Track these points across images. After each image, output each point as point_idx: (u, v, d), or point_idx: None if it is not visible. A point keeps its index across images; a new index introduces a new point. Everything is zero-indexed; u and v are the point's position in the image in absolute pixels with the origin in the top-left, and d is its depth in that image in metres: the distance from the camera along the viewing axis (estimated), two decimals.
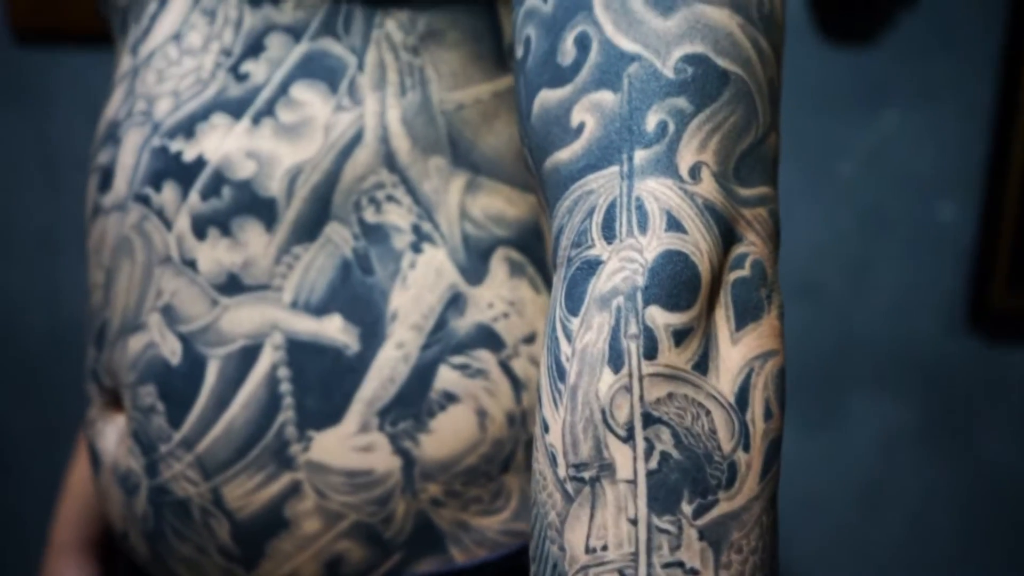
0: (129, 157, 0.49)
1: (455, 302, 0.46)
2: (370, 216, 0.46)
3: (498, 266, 0.47)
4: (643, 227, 0.34)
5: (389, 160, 0.46)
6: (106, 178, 0.51)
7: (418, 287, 0.46)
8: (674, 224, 0.34)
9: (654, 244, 0.33)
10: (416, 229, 0.46)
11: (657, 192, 0.34)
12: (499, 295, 0.47)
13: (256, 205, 0.46)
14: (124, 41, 0.53)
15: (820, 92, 1.22)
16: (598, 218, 0.35)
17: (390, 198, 0.46)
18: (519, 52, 0.39)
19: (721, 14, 0.35)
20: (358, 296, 0.46)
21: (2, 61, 1.32)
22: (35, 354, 1.35)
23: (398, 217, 0.46)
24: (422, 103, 0.46)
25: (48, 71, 1.31)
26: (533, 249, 0.48)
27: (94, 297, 0.53)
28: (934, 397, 1.30)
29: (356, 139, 0.46)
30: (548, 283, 0.49)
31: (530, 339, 0.48)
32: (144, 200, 0.48)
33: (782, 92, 1.13)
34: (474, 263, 0.47)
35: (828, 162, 1.24)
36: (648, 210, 0.34)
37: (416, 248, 0.46)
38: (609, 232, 0.34)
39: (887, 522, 1.34)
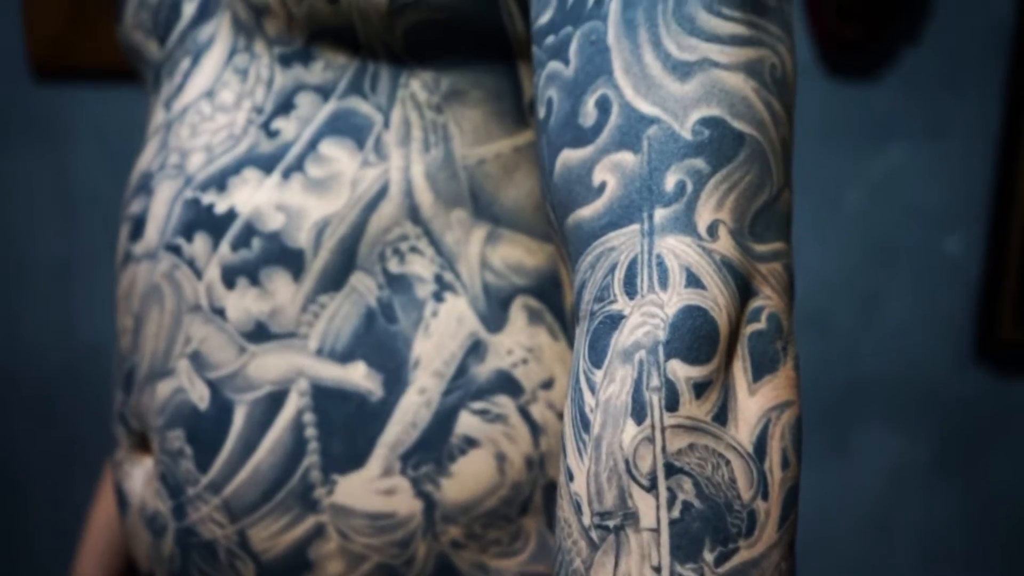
0: (161, 208, 0.50)
1: (475, 349, 0.48)
2: (394, 266, 0.47)
3: (517, 314, 0.49)
4: (664, 283, 0.35)
5: (413, 213, 0.47)
6: (138, 227, 0.52)
7: (440, 335, 0.47)
8: (693, 280, 0.35)
9: (674, 300, 0.35)
10: (438, 279, 0.48)
11: (677, 249, 0.35)
12: (518, 342, 0.48)
13: (284, 256, 0.47)
14: (157, 95, 0.55)
15: (827, 127, 1.24)
16: (620, 274, 0.36)
17: (413, 249, 0.48)
18: (541, 112, 0.41)
19: (736, 79, 0.37)
20: (382, 343, 0.47)
21: (22, 97, 1.34)
22: (51, 383, 1.36)
23: (421, 267, 0.47)
24: (445, 158, 0.47)
25: (66, 107, 1.34)
26: (551, 297, 0.50)
27: (122, 341, 0.54)
28: (943, 429, 1.31)
29: (381, 193, 0.47)
30: (565, 330, 0.50)
31: (548, 384, 0.49)
32: (175, 250, 0.49)
33: (795, 129, 1.14)
34: (494, 311, 0.48)
35: (836, 195, 1.25)
36: (668, 267, 0.35)
37: (438, 297, 0.48)
38: (631, 288, 0.35)
39: (897, 554, 1.34)
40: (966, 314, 1.27)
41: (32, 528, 1.39)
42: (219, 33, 0.51)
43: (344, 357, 0.47)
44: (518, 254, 0.49)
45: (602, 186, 0.37)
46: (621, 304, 0.36)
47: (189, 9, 0.53)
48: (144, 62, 0.57)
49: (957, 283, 1.27)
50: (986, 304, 1.24)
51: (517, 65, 0.48)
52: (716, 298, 0.35)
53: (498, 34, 0.46)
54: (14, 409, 1.37)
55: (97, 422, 1.32)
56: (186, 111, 0.51)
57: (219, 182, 0.49)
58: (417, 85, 0.47)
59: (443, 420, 0.47)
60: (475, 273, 0.48)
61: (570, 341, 0.49)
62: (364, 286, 0.47)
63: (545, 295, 0.49)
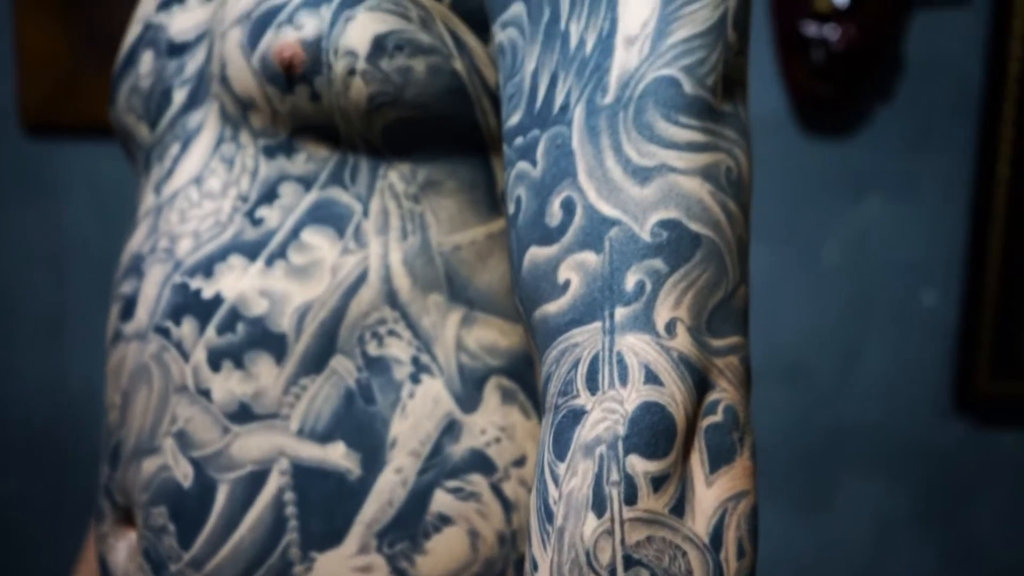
0: (152, 290, 0.52)
1: (451, 429, 0.49)
2: (373, 349, 0.49)
3: (491, 394, 0.50)
4: (623, 380, 0.37)
5: (391, 298, 0.49)
6: (129, 308, 0.54)
7: (416, 415, 0.49)
8: (651, 377, 0.37)
9: (633, 396, 0.36)
10: (415, 361, 0.49)
11: (636, 347, 0.37)
12: (491, 421, 0.50)
13: (268, 340, 0.49)
14: (147, 178, 0.57)
15: (804, 183, 1.27)
16: (583, 370, 0.38)
17: (391, 332, 0.49)
18: (511, 209, 0.43)
19: (692, 183, 0.39)
20: (360, 424, 0.49)
21: (14, 153, 1.36)
22: (40, 433, 1.36)
23: (399, 350, 0.49)
24: (422, 246, 0.49)
25: (58, 163, 1.35)
26: (524, 376, 0.51)
27: (110, 416, 0.56)
28: (924, 481, 1.32)
29: (361, 279, 0.49)
30: (538, 408, 0.51)
31: (520, 462, 0.50)
32: (164, 332, 0.51)
33: (772, 185, 1.17)
34: (468, 392, 0.50)
35: (813, 250, 1.28)
36: (628, 364, 0.37)
37: (415, 379, 0.49)
38: (592, 384, 0.37)
39: None
40: (944, 366, 1.29)
41: (22, 574, 1.39)
42: (207, 121, 0.53)
43: (324, 437, 0.49)
44: (492, 336, 0.51)
45: (567, 284, 0.39)
46: (583, 399, 0.37)
47: (179, 96, 0.55)
48: (135, 144, 0.59)
49: (935, 335, 1.29)
50: (963, 356, 1.26)
51: (490, 157, 0.50)
52: (673, 394, 0.37)
53: (472, 130, 0.49)
54: (2, 459, 1.37)
55: (86, 472, 1.32)
56: (175, 196, 0.53)
57: (206, 268, 0.50)
58: (395, 176, 0.49)
59: (418, 498, 0.48)
60: (451, 355, 0.50)
61: (541, 418, 0.51)
62: (344, 368, 0.49)
63: (518, 374, 0.51)
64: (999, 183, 1.21)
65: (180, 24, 0.57)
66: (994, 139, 1.22)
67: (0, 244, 1.37)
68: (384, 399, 0.49)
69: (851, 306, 1.28)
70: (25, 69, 1.34)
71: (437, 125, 0.48)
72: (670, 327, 0.38)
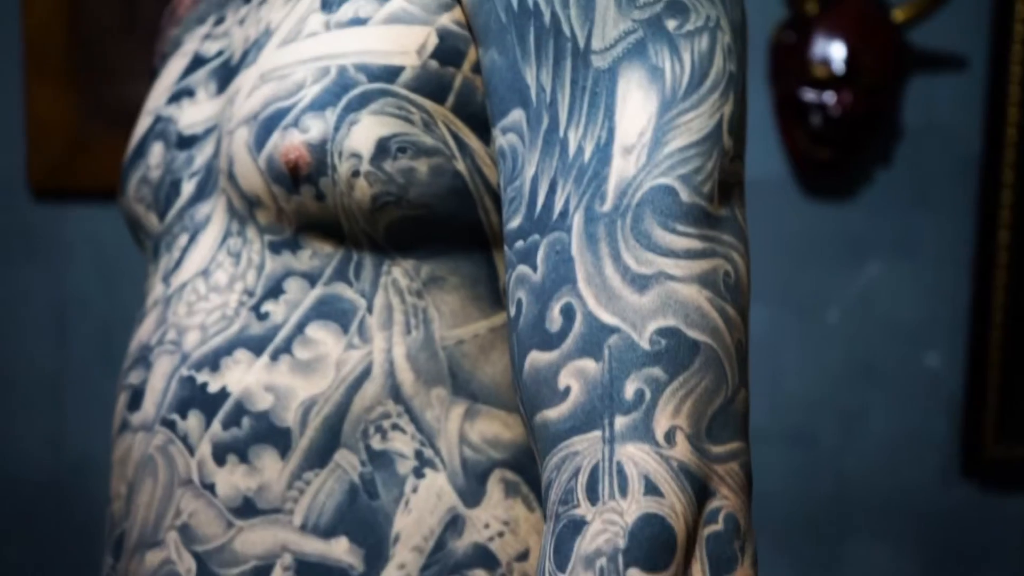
0: (159, 382, 0.53)
1: (454, 524, 0.49)
2: (376, 443, 0.49)
3: (494, 487, 0.50)
4: (623, 491, 0.37)
5: (395, 392, 0.50)
6: (136, 399, 0.55)
7: (420, 510, 0.49)
8: (651, 488, 0.37)
9: (633, 508, 0.37)
10: (419, 455, 0.50)
11: (636, 457, 0.38)
12: (495, 515, 0.50)
13: (272, 434, 0.49)
14: (156, 266, 0.58)
15: (805, 245, 1.28)
16: (583, 479, 0.38)
17: (395, 427, 0.50)
18: (511, 311, 0.43)
19: (690, 290, 0.40)
20: (364, 519, 0.49)
21: (20, 216, 1.37)
22: (36, 500, 1.36)
23: (402, 444, 0.50)
24: (425, 340, 0.50)
25: (63, 226, 1.37)
26: (527, 468, 0.52)
27: (115, 506, 0.56)
28: (932, 546, 1.31)
29: (365, 374, 0.49)
30: (540, 501, 0.51)
31: (523, 556, 0.50)
32: (170, 425, 0.52)
33: (773, 248, 1.17)
34: (472, 486, 0.50)
35: (815, 312, 1.28)
36: (628, 474, 0.37)
37: (418, 473, 0.49)
38: (593, 494, 0.38)
39: None
40: (950, 430, 1.29)
41: None
42: (215, 214, 0.54)
43: (327, 532, 0.49)
44: (495, 428, 0.51)
45: (567, 390, 0.40)
46: (584, 509, 0.38)
47: (188, 188, 0.56)
48: (144, 233, 0.60)
49: (939, 398, 1.29)
50: (969, 420, 1.26)
51: (492, 252, 0.51)
52: (673, 505, 0.37)
53: (474, 227, 0.50)
54: None
55: (79, 543, 1.32)
56: (183, 288, 0.54)
57: (213, 362, 0.51)
58: (399, 272, 0.50)
59: None
60: (454, 449, 0.50)
61: (545, 512, 0.51)
62: (348, 463, 0.49)
63: (521, 467, 0.51)
64: (1000, 247, 1.22)
65: (190, 117, 0.58)
66: (993, 204, 1.23)
67: (3, 306, 1.38)
68: (387, 494, 0.49)
69: (853, 368, 1.28)
70: (34, 135, 1.36)
71: (440, 223, 0.49)
72: (669, 436, 0.38)
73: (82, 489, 1.34)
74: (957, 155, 1.26)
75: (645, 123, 0.41)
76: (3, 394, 1.37)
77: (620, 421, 0.38)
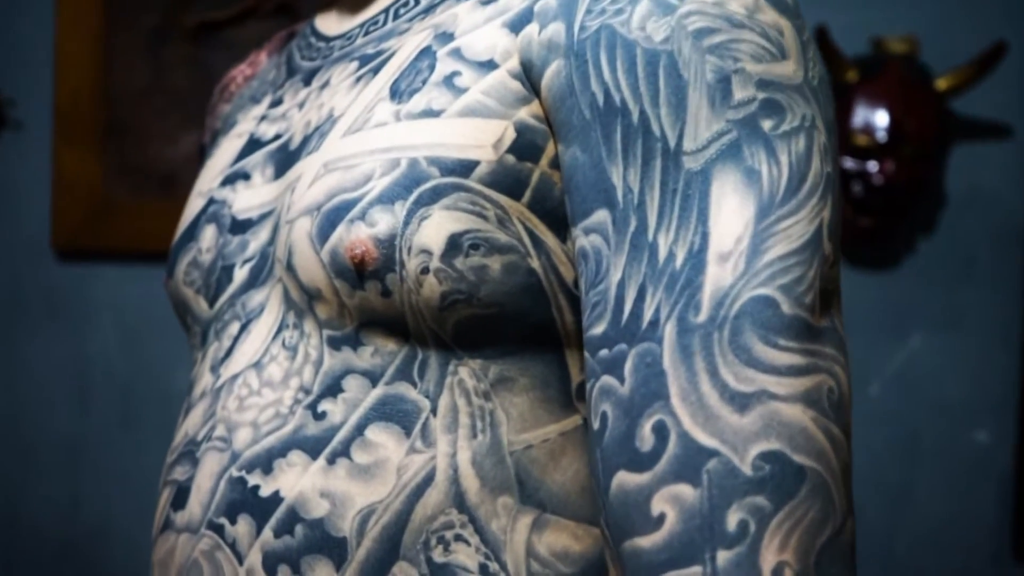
0: (207, 481, 0.50)
1: None
2: (438, 556, 0.46)
3: None
4: None
5: (459, 500, 0.47)
6: (181, 496, 0.52)
7: None
8: None
9: None
10: (484, 569, 0.47)
11: None
12: None
13: (327, 544, 0.46)
14: (204, 353, 0.56)
15: (846, 316, 1.24)
16: None
17: (458, 538, 0.47)
18: (595, 425, 0.41)
19: (794, 410, 0.37)
20: None
21: (43, 277, 1.38)
22: (53, 565, 1.33)
23: (466, 557, 0.47)
24: (492, 445, 0.47)
25: (86, 288, 1.37)
26: None
27: None
28: None
29: (427, 480, 0.47)
30: None
31: None
32: (218, 529, 0.49)
33: None
34: None
35: (858, 388, 1.25)
36: None
37: None
38: None
39: None
40: (1001, 511, 1.24)
41: None
42: (269, 303, 0.52)
43: None
44: (564, 540, 0.48)
45: (661, 518, 0.37)
46: None
47: (241, 274, 0.54)
48: (192, 318, 0.58)
49: (990, 478, 1.24)
50: (1021, 502, 1.21)
51: (565, 353, 0.48)
52: None
53: (547, 326, 0.47)
54: None
55: None
56: (234, 380, 0.51)
57: (265, 463, 0.48)
58: (465, 372, 0.47)
59: None
60: (520, 563, 0.47)
61: None
62: None
63: None
64: None
65: (244, 201, 0.56)
66: None
67: (24, 367, 1.37)
68: None
69: (899, 445, 1.24)
70: (59, 196, 1.37)
71: (511, 322, 0.47)
72: (777, 573, 0.35)
73: (100, 554, 1.32)
74: (1002, 224, 1.24)
75: (742, 229, 0.39)
76: (22, 457, 1.35)
77: (723, 556, 0.35)
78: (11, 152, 1.39)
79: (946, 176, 1.24)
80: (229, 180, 0.58)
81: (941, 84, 1.16)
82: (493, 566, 0.47)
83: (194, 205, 0.60)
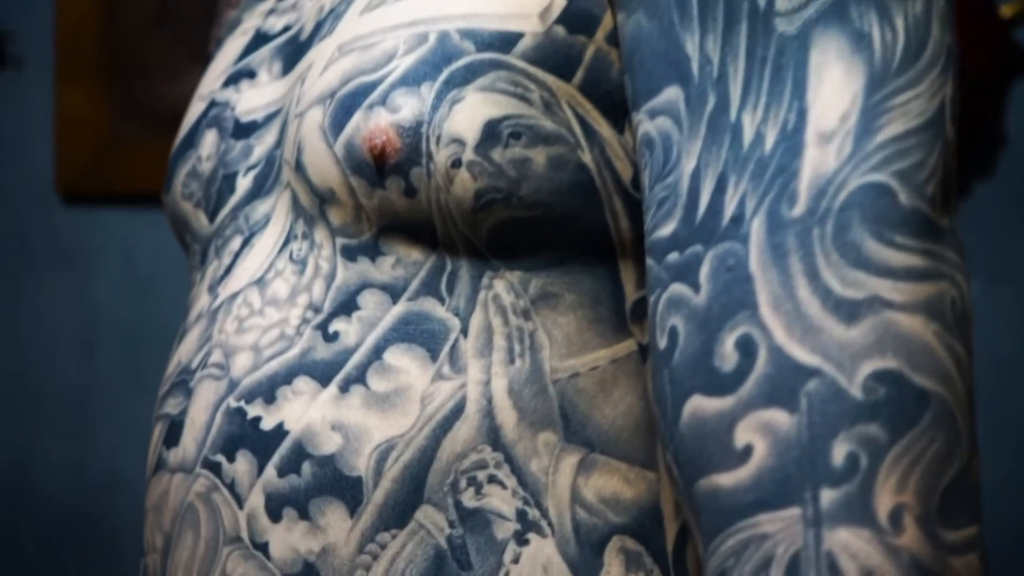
0: (201, 414, 0.45)
1: None
2: (469, 500, 0.41)
3: (613, 559, 0.42)
4: None
5: (493, 436, 0.42)
6: (174, 432, 0.47)
7: None
8: None
9: None
10: (521, 516, 0.41)
11: (853, 546, 0.29)
12: None
13: (339, 485, 0.42)
14: (202, 274, 0.50)
15: None
16: (778, 573, 0.30)
17: (492, 479, 0.42)
18: (662, 343, 0.35)
19: (914, 322, 0.31)
20: None
21: (47, 221, 1.35)
22: (60, 526, 1.32)
23: (501, 501, 0.41)
24: (532, 372, 0.42)
25: (93, 232, 1.34)
26: (652, 536, 0.43)
27: (149, 559, 0.48)
28: None
29: (456, 412, 0.42)
30: None
31: None
32: (215, 468, 0.44)
33: None
34: (586, 557, 0.42)
35: None
36: (844, 571, 0.29)
37: (521, 539, 0.41)
38: None
39: None
40: None
41: None
42: (276, 213, 0.47)
43: None
44: (615, 485, 0.42)
45: (747, 450, 0.31)
46: None
47: (244, 183, 0.49)
48: (191, 235, 0.52)
49: None
50: None
51: (619, 266, 0.42)
52: None
53: (599, 233, 0.42)
54: (19, 550, 1.31)
55: (105, 570, 1.28)
56: (233, 300, 0.46)
57: (267, 392, 0.43)
58: (502, 287, 0.42)
59: None
60: (565, 509, 0.42)
61: None
62: (433, 523, 0.41)
63: (645, 534, 0.43)
64: None
65: (249, 102, 0.51)
66: None
67: (27, 317, 1.35)
68: (482, 564, 0.41)
69: None
70: (63, 136, 1.34)
71: (557, 227, 0.41)
72: (895, 517, 0.30)
73: (109, 513, 1.31)
74: None
75: (849, 104, 0.33)
76: (27, 412, 1.33)
77: (828, 495, 0.30)
78: (11, 90, 1.36)
79: (1008, 113, 1.17)
80: (232, 80, 0.52)
81: (1007, 11, 1.09)
82: (533, 512, 0.41)
83: (194, 110, 0.54)
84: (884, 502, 0.29)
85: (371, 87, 0.41)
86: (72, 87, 1.32)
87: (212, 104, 0.53)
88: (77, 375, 1.32)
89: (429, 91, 0.40)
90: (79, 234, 1.33)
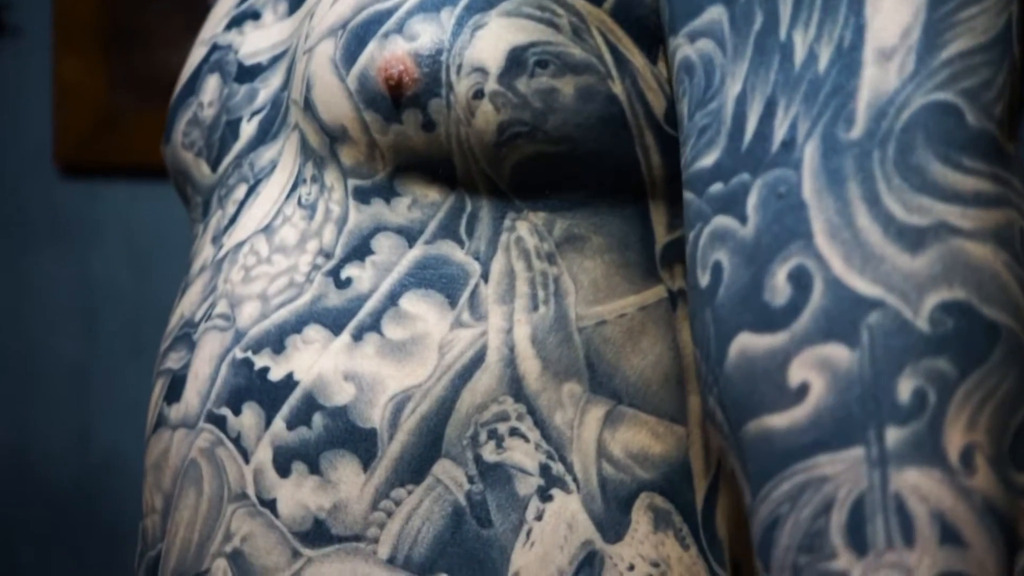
0: (205, 367, 0.43)
1: (589, 563, 0.39)
2: (489, 454, 0.40)
3: (640, 517, 0.40)
4: (908, 538, 0.28)
5: (515, 386, 0.40)
6: (175, 387, 0.45)
7: (545, 545, 0.39)
8: (950, 536, 0.27)
9: (927, 563, 0.27)
10: (545, 471, 0.40)
11: (923, 488, 0.28)
12: (640, 554, 0.40)
13: (352, 438, 0.40)
14: (204, 226, 0.49)
15: None
16: (840, 518, 0.28)
17: (514, 432, 0.40)
18: (703, 280, 0.33)
19: (984, 251, 0.30)
20: (471, 553, 0.39)
21: (45, 194, 1.34)
22: (61, 500, 1.31)
23: (523, 455, 0.40)
24: (556, 319, 0.40)
25: (91, 204, 1.33)
26: (681, 493, 0.41)
27: (147, 522, 0.46)
28: None
29: (476, 361, 0.40)
30: (696, 536, 0.42)
31: None
32: (219, 422, 0.42)
33: None
34: (613, 514, 0.40)
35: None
36: (913, 514, 0.28)
37: (544, 495, 0.40)
38: (858, 540, 0.28)
39: None
40: None
41: None
42: (283, 158, 0.45)
43: (423, 568, 0.39)
44: (643, 439, 0.41)
45: (803, 388, 0.30)
46: (845, 562, 0.28)
47: (249, 129, 0.47)
48: (192, 186, 0.50)
49: None
50: None
51: (650, 207, 0.41)
52: (983, 562, 0.27)
53: (629, 171, 0.40)
54: (20, 525, 1.31)
55: (106, 546, 1.27)
56: (239, 249, 0.44)
57: (275, 341, 0.41)
58: (525, 229, 0.40)
59: None
60: (591, 464, 0.40)
61: (702, 550, 0.41)
62: (451, 478, 0.40)
63: (674, 491, 0.41)
64: None
65: (253, 44, 0.49)
66: None
67: (26, 291, 1.34)
68: (503, 521, 0.39)
69: None
70: (61, 107, 1.33)
71: (584, 164, 0.39)
72: (967, 457, 0.28)
73: (109, 489, 1.30)
74: None
75: (910, 18, 0.31)
76: (26, 387, 1.32)
77: (894, 434, 0.28)
78: (9, 60, 1.35)
79: None
80: (235, 22, 0.50)
81: None
82: (557, 467, 0.40)
83: (195, 55, 0.52)
84: (954, 441, 0.28)
85: (386, 14, 0.39)
86: (70, 57, 1.31)
87: (214, 48, 0.51)
88: (77, 350, 1.31)
89: (449, 16, 0.38)
90: (78, 207, 1.32)
